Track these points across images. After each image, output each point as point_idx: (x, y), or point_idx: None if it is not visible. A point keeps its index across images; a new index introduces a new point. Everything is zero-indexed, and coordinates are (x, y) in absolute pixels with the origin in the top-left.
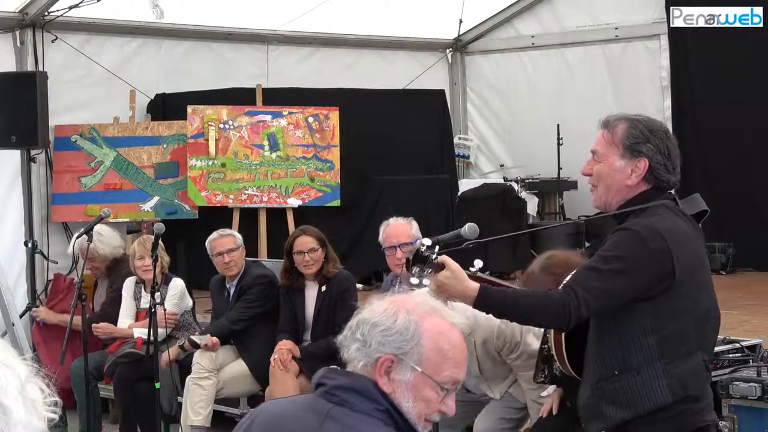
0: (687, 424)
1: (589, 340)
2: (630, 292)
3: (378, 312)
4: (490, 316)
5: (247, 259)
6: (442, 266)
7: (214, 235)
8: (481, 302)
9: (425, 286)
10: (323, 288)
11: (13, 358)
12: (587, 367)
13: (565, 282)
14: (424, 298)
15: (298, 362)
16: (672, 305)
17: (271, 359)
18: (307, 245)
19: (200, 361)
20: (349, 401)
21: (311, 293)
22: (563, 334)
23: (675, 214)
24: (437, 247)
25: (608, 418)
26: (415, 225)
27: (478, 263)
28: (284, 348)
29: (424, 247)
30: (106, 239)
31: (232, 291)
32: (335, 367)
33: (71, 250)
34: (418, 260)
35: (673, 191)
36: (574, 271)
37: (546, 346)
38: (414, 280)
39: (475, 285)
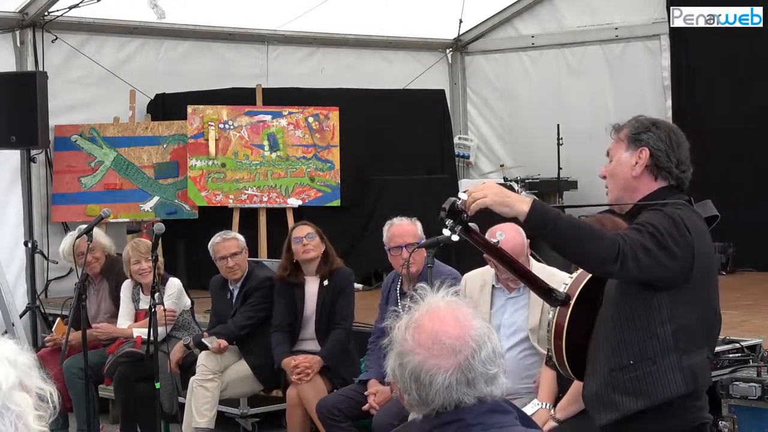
0: (690, 419)
1: (597, 332)
2: (661, 264)
3: (490, 340)
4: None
5: (250, 259)
6: (468, 228)
7: (217, 238)
8: (536, 212)
9: (455, 240)
10: (325, 282)
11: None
12: (596, 358)
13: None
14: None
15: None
16: (687, 298)
17: (294, 376)
18: (305, 231)
19: (205, 363)
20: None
21: (312, 288)
22: (564, 334)
23: (694, 213)
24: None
25: (621, 408)
26: (419, 225)
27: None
28: (311, 362)
29: (460, 201)
30: (102, 237)
31: (236, 293)
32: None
33: (65, 248)
34: (452, 214)
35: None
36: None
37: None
38: (447, 232)
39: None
